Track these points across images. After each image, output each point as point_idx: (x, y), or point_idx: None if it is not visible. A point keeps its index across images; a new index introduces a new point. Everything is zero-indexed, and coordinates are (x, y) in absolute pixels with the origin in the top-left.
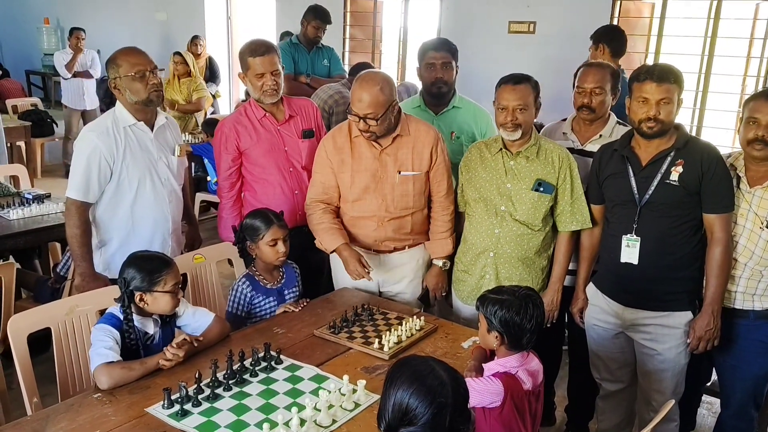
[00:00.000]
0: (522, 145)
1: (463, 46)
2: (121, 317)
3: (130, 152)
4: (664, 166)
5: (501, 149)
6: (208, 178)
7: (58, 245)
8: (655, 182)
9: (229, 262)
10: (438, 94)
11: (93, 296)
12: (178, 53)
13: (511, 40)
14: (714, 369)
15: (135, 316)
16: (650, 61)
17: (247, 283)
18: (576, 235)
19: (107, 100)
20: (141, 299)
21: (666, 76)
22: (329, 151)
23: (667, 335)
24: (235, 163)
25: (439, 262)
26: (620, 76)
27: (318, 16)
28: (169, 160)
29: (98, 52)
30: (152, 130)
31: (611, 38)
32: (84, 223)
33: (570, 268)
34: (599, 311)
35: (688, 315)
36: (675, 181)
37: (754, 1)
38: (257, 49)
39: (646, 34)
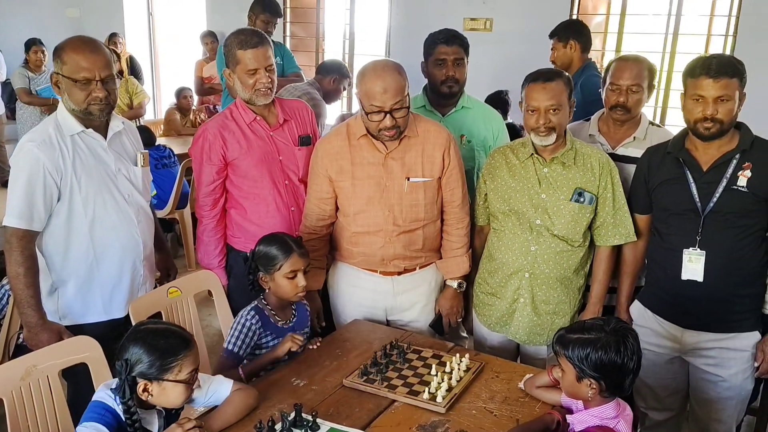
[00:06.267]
0: (556, 150)
1: (413, 44)
2: (119, 411)
3: (81, 165)
4: (730, 170)
5: (532, 154)
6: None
7: None
8: (721, 188)
9: (209, 293)
10: (448, 94)
11: (52, 352)
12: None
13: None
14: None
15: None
16: (607, 59)
17: (257, 317)
18: (617, 250)
19: (12, 106)
20: (144, 389)
21: (724, 70)
22: (324, 158)
23: (733, 359)
24: (220, 176)
25: (454, 283)
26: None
27: (267, 9)
28: (131, 171)
29: (0, 51)
30: (105, 137)
31: (580, 33)
32: (29, 258)
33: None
34: (651, 334)
35: (755, 336)
36: (743, 186)
37: None
38: (248, 40)
39: (602, 31)
